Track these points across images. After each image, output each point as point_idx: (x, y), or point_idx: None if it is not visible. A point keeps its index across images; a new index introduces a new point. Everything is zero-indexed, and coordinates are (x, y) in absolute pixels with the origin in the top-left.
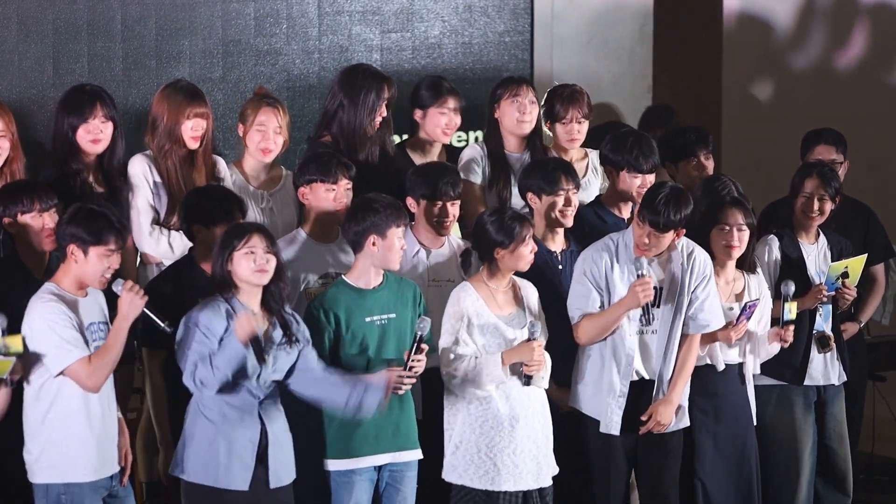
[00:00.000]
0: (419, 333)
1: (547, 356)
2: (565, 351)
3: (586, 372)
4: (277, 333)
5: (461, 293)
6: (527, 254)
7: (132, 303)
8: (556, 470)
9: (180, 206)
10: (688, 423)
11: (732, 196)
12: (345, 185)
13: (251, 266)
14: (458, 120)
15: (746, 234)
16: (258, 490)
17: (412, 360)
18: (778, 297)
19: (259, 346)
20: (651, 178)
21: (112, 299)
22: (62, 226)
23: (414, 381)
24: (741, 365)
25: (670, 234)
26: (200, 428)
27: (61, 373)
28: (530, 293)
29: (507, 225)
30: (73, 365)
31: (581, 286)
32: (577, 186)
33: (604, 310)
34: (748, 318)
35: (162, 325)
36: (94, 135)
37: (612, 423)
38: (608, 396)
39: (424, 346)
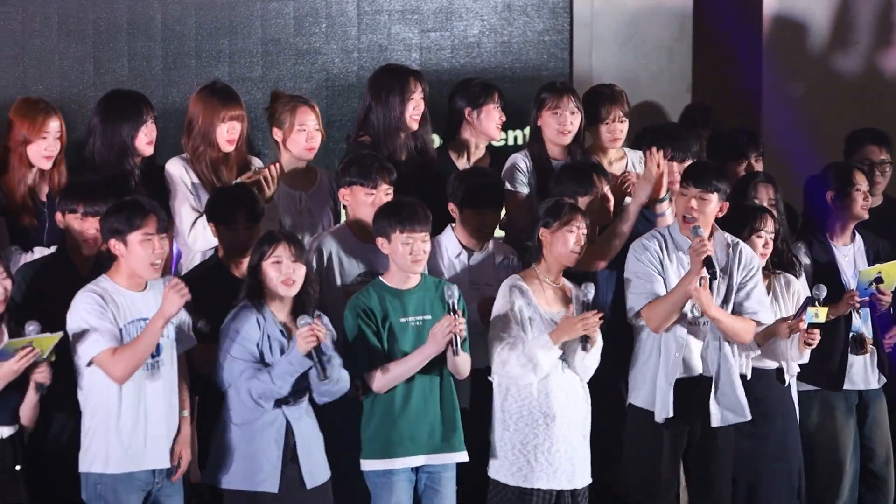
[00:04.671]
0: (451, 301)
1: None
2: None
3: (639, 364)
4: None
5: (510, 286)
6: (569, 240)
7: (171, 301)
8: (589, 478)
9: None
10: (748, 417)
11: (761, 203)
12: (385, 189)
13: (277, 276)
14: (502, 117)
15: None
16: (293, 491)
17: (455, 325)
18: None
19: (321, 356)
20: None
21: None
22: (101, 226)
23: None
24: (779, 369)
25: (715, 202)
26: (228, 433)
27: (90, 362)
28: (577, 293)
29: (555, 207)
30: (99, 355)
31: (641, 273)
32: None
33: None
34: (803, 315)
35: (198, 325)
36: (150, 136)
37: (664, 411)
38: (661, 385)
39: (459, 311)
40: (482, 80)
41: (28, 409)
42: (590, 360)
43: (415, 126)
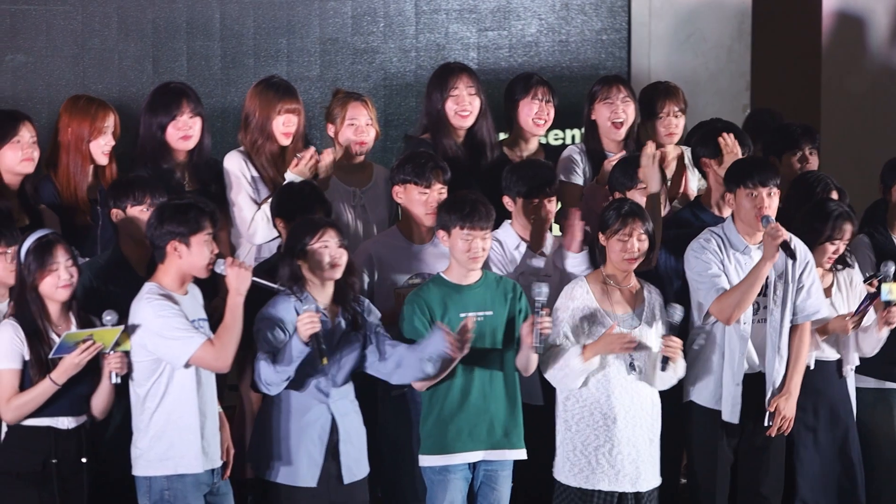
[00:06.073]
0: (538, 298)
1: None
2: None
3: (700, 362)
4: (343, 326)
5: (574, 286)
6: (619, 248)
7: (240, 276)
8: (658, 480)
9: (273, 197)
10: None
11: (843, 210)
12: (438, 189)
13: (326, 261)
14: (550, 112)
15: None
16: (330, 485)
17: (539, 324)
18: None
19: (319, 343)
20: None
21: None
22: (154, 229)
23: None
24: (839, 361)
25: (777, 194)
26: (271, 425)
27: (187, 363)
28: (654, 295)
29: (611, 211)
30: (198, 351)
31: (704, 272)
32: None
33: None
34: (867, 309)
35: (274, 286)
36: (184, 131)
37: (733, 412)
38: (728, 385)
39: (546, 309)
40: (528, 73)
41: (102, 398)
42: (668, 377)
43: (462, 122)
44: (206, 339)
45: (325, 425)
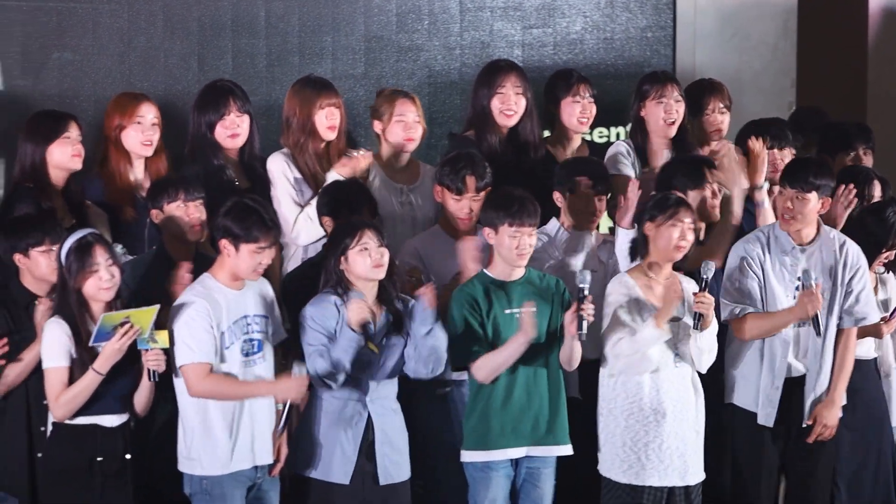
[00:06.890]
0: (582, 286)
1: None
2: None
3: (741, 364)
4: (387, 326)
5: (617, 281)
6: (672, 234)
7: (293, 390)
8: (702, 474)
9: (318, 195)
10: (839, 415)
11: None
12: (470, 197)
13: (367, 263)
14: (592, 109)
15: None
16: (365, 485)
17: (583, 310)
18: None
19: (368, 331)
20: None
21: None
22: (218, 218)
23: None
24: (876, 360)
25: (814, 201)
26: (312, 422)
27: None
28: (692, 286)
29: (661, 200)
30: (189, 366)
31: (740, 279)
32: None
33: (770, 312)
34: None
35: (284, 413)
36: (232, 129)
37: (769, 416)
38: (765, 388)
39: (590, 297)
40: (570, 71)
41: (143, 395)
42: (705, 343)
43: (506, 121)
44: (203, 363)
45: (361, 423)
